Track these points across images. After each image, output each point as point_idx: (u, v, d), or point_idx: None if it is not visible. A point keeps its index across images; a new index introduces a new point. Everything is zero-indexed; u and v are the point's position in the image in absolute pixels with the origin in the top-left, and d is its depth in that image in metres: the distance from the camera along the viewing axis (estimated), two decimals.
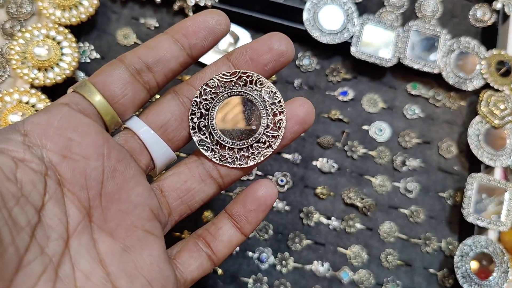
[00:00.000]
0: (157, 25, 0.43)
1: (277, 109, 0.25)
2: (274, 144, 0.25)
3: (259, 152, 0.25)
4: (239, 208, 0.25)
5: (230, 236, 0.25)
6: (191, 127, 0.25)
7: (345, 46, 0.42)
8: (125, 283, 0.21)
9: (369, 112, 0.43)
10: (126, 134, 0.24)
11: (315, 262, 0.39)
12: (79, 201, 0.21)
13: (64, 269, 0.19)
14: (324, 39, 0.42)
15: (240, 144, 0.24)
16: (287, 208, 0.40)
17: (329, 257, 0.40)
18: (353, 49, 0.42)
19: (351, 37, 0.42)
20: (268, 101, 0.25)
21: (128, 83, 0.23)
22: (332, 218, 0.41)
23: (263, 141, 0.25)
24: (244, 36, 0.42)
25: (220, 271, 0.38)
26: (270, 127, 0.24)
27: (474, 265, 0.38)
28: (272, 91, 0.25)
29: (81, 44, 0.42)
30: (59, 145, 0.20)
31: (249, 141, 0.24)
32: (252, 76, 0.25)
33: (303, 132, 0.25)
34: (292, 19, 0.43)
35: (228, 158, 0.24)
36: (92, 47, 0.42)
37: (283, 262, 0.39)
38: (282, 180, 0.40)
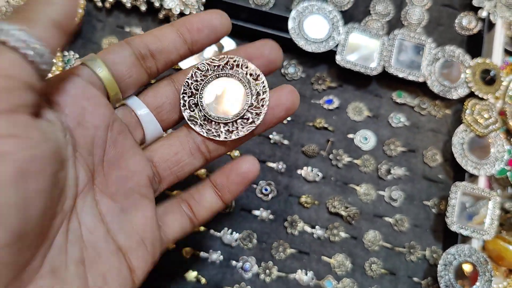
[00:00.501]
0: (142, 33, 0.43)
1: (260, 89, 0.27)
2: (257, 120, 0.26)
3: (242, 127, 0.26)
4: (223, 179, 0.27)
5: (211, 203, 0.27)
6: (181, 104, 0.26)
7: (330, 54, 0.42)
8: (122, 238, 0.23)
9: (354, 121, 0.43)
10: (124, 110, 0.26)
11: (299, 271, 0.39)
12: (87, 165, 0.23)
13: (73, 224, 0.22)
14: (309, 48, 0.42)
15: (225, 120, 0.26)
16: (271, 217, 0.40)
17: (313, 266, 0.40)
18: (338, 58, 0.42)
19: (336, 46, 0.42)
20: (252, 82, 0.27)
21: (133, 65, 0.25)
22: (317, 227, 0.41)
23: (247, 117, 0.26)
24: (229, 45, 0.42)
25: (203, 280, 0.38)
26: (254, 105, 0.26)
27: (467, 268, 0.38)
28: (256, 74, 0.27)
29: (66, 53, 0.42)
30: (75, 112, 0.22)
31: (234, 117, 0.26)
32: (238, 61, 0.27)
33: (287, 117, 0.29)
34: (277, 28, 0.43)
35: (214, 132, 0.26)
36: (77, 56, 0.42)
37: (267, 271, 0.39)
38: (266, 189, 0.40)
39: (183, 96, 0.27)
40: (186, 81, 0.27)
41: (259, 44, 0.27)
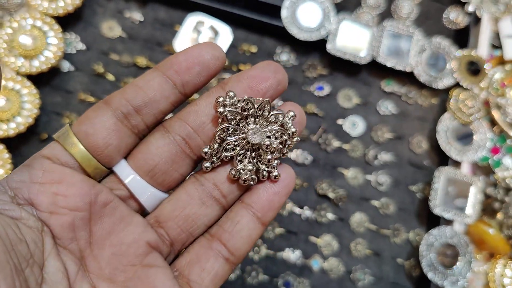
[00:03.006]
0: (142, 19, 0.45)
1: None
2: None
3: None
4: (261, 194, 0.23)
5: (249, 229, 0.22)
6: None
7: (322, 43, 0.44)
8: None
9: (343, 107, 0.45)
10: (112, 180, 0.23)
11: (287, 249, 0.41)
12: (71, 253, 0.21)
13: None
14: (301, 36, 0.44)
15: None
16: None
17: (301, 245, 0.41)
18: (328, 46, 0.44)
19: (328, 35, 0.44)
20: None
21: (112, 131, 0.22)
22: (305, 207, 0.42)
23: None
24: (224, 31, 0.44)
25: None
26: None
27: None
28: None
29: (68, 35, 0.43)
30: (46, 202, 0.20)
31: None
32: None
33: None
34: (271, 16, 0.44)
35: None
36: (78, 38, 0.44)
37: (255, 248, 0.40)
38: None
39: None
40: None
41: (262, 65, 0.23)
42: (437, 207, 0.41)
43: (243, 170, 0.22)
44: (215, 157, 0.22)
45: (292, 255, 0.41)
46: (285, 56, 0.46)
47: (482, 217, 0.42)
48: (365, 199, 0.43)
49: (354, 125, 0.45)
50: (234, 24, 0.45)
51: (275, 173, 0.22)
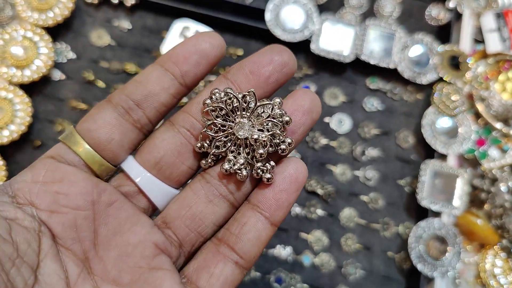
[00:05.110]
0: (130, 27, 0.46)
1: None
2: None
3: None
4: (266, 193, 0.21)
5: (258, 230, 0.21)
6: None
7: (307, 43, 0.45)
8: None
9: (330, 105, 0.46)
10: (120, 177, 0.23)
11: (278, 246, 0.41)
12: (74, 254, 0.20)
13: None
14: (285, 37, 0.45)
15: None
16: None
17: (292, 241, 0.42)
18: (312, 46, 0.45)
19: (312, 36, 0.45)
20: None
21: (114, 126, 0.22)
22: (294, 204, 0.43)
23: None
24: None
25: None
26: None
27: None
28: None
29: (59, 45, 0.45)
30: (46, 201, 0.20)
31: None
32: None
33: (313, 123, 0.23)
34: (256, 19, 0.45)
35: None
36: (69, 48, 0.45)
37: None
38: None
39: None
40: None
41: (265, 49, 0.23)
42: (424, 200, 0.41)
43: (234, 165, 0.21)
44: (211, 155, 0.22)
45: (283, 251, 0.41)
46: None
47: (471, 209, 0.42)
48: (354, 195, 0.44)
49: (341, 123, 0.45)
50: (220, 28, 0.46)
51: (268, 176, 0.21)
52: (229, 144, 0.22)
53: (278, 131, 0.21)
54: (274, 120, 0.21)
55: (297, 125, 0.22)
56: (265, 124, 0.21)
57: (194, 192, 0.22)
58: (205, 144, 0.22)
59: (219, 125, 0.22)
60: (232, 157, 0.22)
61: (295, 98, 0.22)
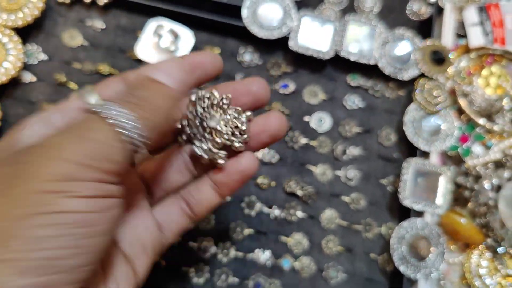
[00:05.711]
0: (103, 27, 0.45)
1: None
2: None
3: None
4: (222, 176, 0.27)
5: (210, 199, 0.27)
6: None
7: (285, 40, 0.44)
8: (127, 247, 0.25)
9: (309, 104, 0.45)
10: None
11: (257, 250, 0.40)
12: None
13: None
14: (262, 34, 0.43)
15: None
16: (228, 198, 0.41)
17: (271, 245, 0.41)
18: (291, 43, 0.44)
19: (290, 32, 0.44)
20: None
21: None
22: (274, 207, 0.41)
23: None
24: (185, 34, 0.44)
25: (163, 262, 0.39)
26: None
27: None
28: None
29: (29, 46, 0.43)
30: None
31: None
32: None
33: (273, 142, 0.28)
34: (232, 16, 0.44)
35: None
36: (40, 49, 0.44)
37: (224, 251, 0.40)
38: None
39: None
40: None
41: (247, 81, 0.28)
42: (407, 199, 0.40)
43: (199, 150, 0.26)
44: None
45: (262, 255, 0.40)
46: (249, 56, 0.45)
47: (454, 207, 0.41)
48: (335, 195, 0.42)
49: (321, 121, 0.44)
50: (196, 26, 0.45)
51: (220, 161, 0.26)
52: (200, 129, 0.26)
53: (237, 132, 0.26)
54: (237, 122, 0.26)
55: (259, 144, 0.27)
56: (230, 123, 0.26)
57: (170, 161, 0.27)
58: (184, 123, 0.27)
59: (199, 113, 0.26)
60: (198, 144, 0.26)
61: (267, 120, 0.27)
